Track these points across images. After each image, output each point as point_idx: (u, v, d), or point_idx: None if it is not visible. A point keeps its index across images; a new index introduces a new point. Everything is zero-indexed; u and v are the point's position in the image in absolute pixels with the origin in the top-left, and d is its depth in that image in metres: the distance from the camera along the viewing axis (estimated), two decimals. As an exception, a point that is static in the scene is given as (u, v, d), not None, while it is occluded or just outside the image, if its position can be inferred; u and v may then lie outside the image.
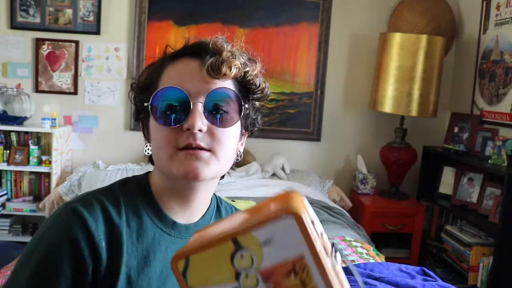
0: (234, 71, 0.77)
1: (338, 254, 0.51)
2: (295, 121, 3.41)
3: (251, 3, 3.30)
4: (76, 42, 3.23)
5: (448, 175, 3.15)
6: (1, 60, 3.22)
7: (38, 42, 3.20)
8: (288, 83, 3.38)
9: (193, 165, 0.75)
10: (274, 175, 3.19)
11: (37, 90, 3.24)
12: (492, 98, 2.97)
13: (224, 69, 0.76)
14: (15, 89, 3.09)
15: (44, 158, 3.06)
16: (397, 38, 2.99)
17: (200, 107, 0.75)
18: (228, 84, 0.79)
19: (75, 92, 3.27)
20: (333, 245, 0.51)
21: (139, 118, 0.86)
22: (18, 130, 3.10)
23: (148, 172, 0.87)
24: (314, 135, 3.44)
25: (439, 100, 3.10)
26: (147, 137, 0.85)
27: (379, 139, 3.43)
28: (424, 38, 2.95)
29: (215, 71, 0.76)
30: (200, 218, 0.86)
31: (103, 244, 0.74)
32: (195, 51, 0.79)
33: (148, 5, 3.22)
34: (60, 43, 3.22)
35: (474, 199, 2.87)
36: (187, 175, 0.75)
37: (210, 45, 0.78)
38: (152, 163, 0.85)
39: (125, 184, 0.84)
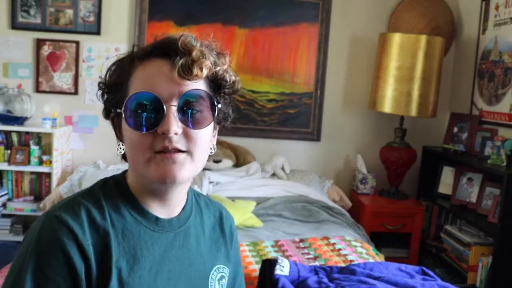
0: (205, 71, 0.77)
1: None
2: (295, 121, 3.42)
3: (251, 3, 3.30)
4: (77, 43, 3.24)
5: (447, 175, 3.16)
6: (2, 61, 3.23)
7: (39, 43, 3.21)
8: (288, 83, 3.39)
9: (170, 168, 0.76)
10: (274, 175, 3.20)
11: (37, 90, 3.25)
12: (491, 98, 2.98)
13: (195, 70, 0.75)
14: (16, 89, 3.10)
15: (45, 158, 3.07)
16: (396, 38, 3.00)
17: (173, 110, 0.75)
18: (199, 85, 0.79)
19: (75, 92, 3.28)
20: None
21: (109, 117, 0.86)
22: (19, 130, 3.11)
23: (125, 171, 0.87)
24: (314, 135, 3.45)
25: (438, 100, 3.11)
26: (119, 137, 0.85)
27: (378, 139, 3.43)
28: (423, 38, 2.96)
29: (186, 73, 0.75)
30: (181, 212, 0.88)
31: (91, 249, 0.74)
32: (164, 51, 0.78)
33: (148, 6, 3.23)
34: (60, 43, 3.23)
35: (474, 199, 2.87)
36: (165, 179, 0.76)
37: (179, 45, 0.76)
38: (126, 160, 0.86)
39: (104, 185, 0.84)
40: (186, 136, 0.77)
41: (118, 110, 0.78)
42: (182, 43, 0.76)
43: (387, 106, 3.04)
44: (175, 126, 0.74)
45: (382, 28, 3.40)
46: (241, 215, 2.43)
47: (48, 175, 3.13)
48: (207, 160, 0.86)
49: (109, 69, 0.85)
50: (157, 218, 0.83)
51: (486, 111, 3.02)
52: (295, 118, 3.42)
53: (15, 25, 3.19)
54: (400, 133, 3.21)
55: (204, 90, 0.79)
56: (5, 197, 3.12)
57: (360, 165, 3.37)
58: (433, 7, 3.39)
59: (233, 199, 2.65)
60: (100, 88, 0.86)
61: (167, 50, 0.77)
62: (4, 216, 3.11)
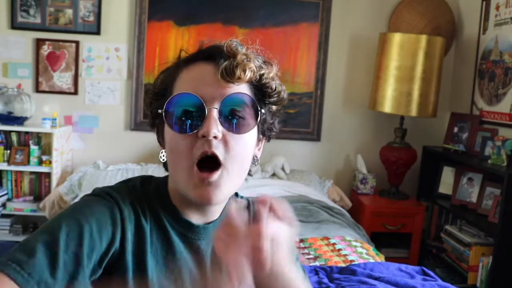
0: (248, 74, 0.76)
1: None
2: (295, 121, 3.42)
3: (251, 3, 3.30)
4: (77, 42, 3.23)
5: (447, 175, 3.16)
6: (1, 60, 3.22)
7: (39, 42, 3.21)
8: (288, 83, 3.38)
9: (206, 190, 0.74)
10: (274, 175, 3.20)
11: (37, 90, 3.25)
12: (492, 98, 2.97)
13: (239, 72, 0.74)
14: (15, 89, 3.10)
15: (44, 158, 3.07)
16: (396, 38, 3.00)
17: (215, 113, 0.73)
18: (243, 89, 0.77)
19: (75, 92, 3.28)
20: None
21: (155, 124, 0.84)
22: (18, 130, 3.10)
23: (167, 176, 0.86)
24: (314, 135, 3.44)
25: (438, 100, 3.11)
26: (162, 144, 0.83)
27: (379, 139, 3.43)
28: (423, 38, 2.95)
29: (230, 75, 0.74)
30: (218, 217, 0.86)
31: (129, 226, 0.75)
32: (209, 55, 0.78)
33: (148, 5, 3.22)
34: (60, 43, 3.23)
35: (474, 199, 2.87)
36: (202, 201, 0.76)
37: (224, 49, 0.77)
38: (167, 169, 0.84)
39: (145, 185, 0.84)
40: (225, 143, 0.75)
41: (159, 111, 0.77)
42: (227, 47, 0.77)
43: (387, 106, 3.03)
44: (215, 128, 0.72)
45: (382, 28, 3.39)
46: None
47: (48, 175, 3.13)
48: (250, 174, 0.84)
49: (157, 77, 0.84)
50: (192, 225, 0.82)
51: (487, 111, 3.01)
52: (295, 118, 3.41)
53: (14, 25, 3.18)
54: (400, 133, 3.21)
55: (248, 94, 0.77)
56: (5, 197, 3.11)
57: (360, 165, 3.37)
58: (433, 7, 3.39)
59: (233, 199, 2.64)
60: (148, 97, 0.85)
61: (212, 53, 0.78)
62: (4, 216, 3.11)
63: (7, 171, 3.16)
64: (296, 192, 2.91)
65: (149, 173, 2.83)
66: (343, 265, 1.92)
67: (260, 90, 0.81)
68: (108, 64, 3.27)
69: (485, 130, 2.95)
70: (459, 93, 3.37)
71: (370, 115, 3.45)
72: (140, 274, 0.75)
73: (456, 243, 2.78)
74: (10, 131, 3.10)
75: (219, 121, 0.74)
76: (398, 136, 3.22)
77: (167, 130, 0.78)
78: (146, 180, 0.85)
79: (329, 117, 3.45)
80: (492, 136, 2.84)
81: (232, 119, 0.75)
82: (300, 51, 3.38)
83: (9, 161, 3.06)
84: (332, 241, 2.21)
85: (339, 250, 2.11)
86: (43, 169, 3.07)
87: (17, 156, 3.07)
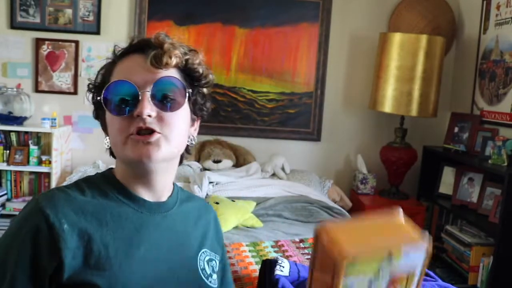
0: (174, 60, 0.85)
1: None
2: (295, 121, 3.41)
3: (251, 3, 3.29)
4: (76, 42, 3.23)
5: (448, 175, 3.15)
6: (1, 60, 3.22)
7: (38, 42, 3.20)
8: (288, 83, 3.38)
9: (145, 148, 0.82)
10: (274, 175, 3.19)
11: (37, 90, 3.24)
12: (492, 98, 2.97)
13: (165, 58, 0.84)
14: (15, 89, 3.09)
15: (44, 158, 3.06)
16: (397, 38, 2.99)
17: (148, 95, 0.82)
18: (172, 73, 0.86)
19: (75, 92, 3.27)
20: None
21: (98, 115, 0.94)
22: (18, 130, 3.10)
23: (111, 168, 0.93)
24: (314, 135, 3.44)
25: (439, 100, 3.10)
26: (106, 131, 0.91)
27: (379, 139, 3.42)
28: (424, 38, 2.95)
29: (158, 62, 0.84)
30: (168, 198, 0.93)
31: (66, 228, 0.77)
32: (139, 47, 0.87)
33: (148, 5, 3.22)
34: (60, 43, 3.22)
35: (474, 199, 2.86)
36: (140, 157, 0.82)
37: (153, 40, 0.86)
38: (113, 156, 0.92)
39: (89, 178, 0.90)
40: (161, 119, 0.83)
41: (98, 98, 0.87)
42: (155, 39, 0.86)
43: (388, 106, 3.03)
44: (149, 108, 0.81)
45: (383, 28, 3.39)
46: (241, 215, 2.42)
47: (48, 175, 3.12)
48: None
49: (97, 73, 0.94)
50: (144, 201, 0.89)
51: (487, 110, 3.01)
52: (295, 118, 3.41)
53: (14, 25, 3.18)
54: (401, 133, 3.20)
55: (175, 76, 0.86)
56: (4, 197, 3.11)
57: (360, 165, 3.36)
58: (434, 6, 3.38)
59: (233, 199, 2.64)
60: (88, 90, 0.95)
61: (142, 45, 0.87)
62: (3, 216, 3.10)
63: (6, 171, 3.15)
64: (296, 192, 2.90)
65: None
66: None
67: (189, 74, 0.90)
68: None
69: (486, 130, 2.95)
70: (460, 93, 3.37)
71: (370, 115, 3.45)
72: (103, 258, 0.79)
73: (457, 243, 2.77)
74: (10, 131, 3.09)
75: (153, 102, 0.83)
76: (398, 136, 3.21)
77: (108, 116, 0.87)
78: (91, 175, 0.92)
79: (329, 117, 3.45)
80: (492, 136, 2.83)
81: (164, 99, 0.84)
82: (300, 51, 3.37)
83: (8, 161, 3.05)
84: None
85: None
86: (42, 169, 3.06)
87: (17, 156, 3.06)
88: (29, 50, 3.22)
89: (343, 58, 3.43)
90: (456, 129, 3.21)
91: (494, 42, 2.97)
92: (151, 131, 0.82)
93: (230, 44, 3.30)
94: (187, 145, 0.94)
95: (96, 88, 0.93)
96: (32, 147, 3.07)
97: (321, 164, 3.48)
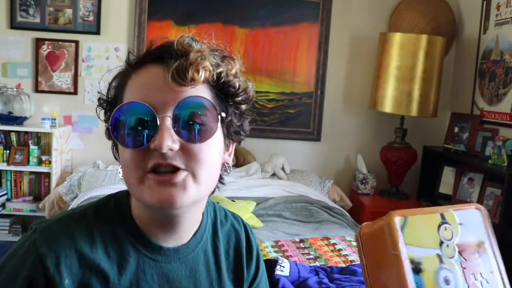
0: (203, 74, 0.65)
1: None
2: (295, 121, 3.41)
3: (251, 3, 3.29)
4: (76, 42, 3.23)
5: (448, 175, 3.15)
6: (1, 60, 3.22)
7: (38, 42, 3.20)
8: (288, 83, 3.38)
9: (167, 191, 0.64)
10: (274, 175, 3.19)
11: (37, 90, 3.24)
12: (492, 98, 2.97)
13: (191, 73, 0.64)
14: (15, 89, 3.09)
15: (44, 158, 3.06)
16: (397, 38, 2.99)
17: (168, 121, 0.64)
18: (200, 91, 0.67)
19: (75, 92, 3.27)
20: None
21: (111, 137, 0.71)
22: (18, 130, 3.10)
23: (127, 195, 0.76)
24: (314, 135, 3.44)
25: (439, 100, 3.10)
26: (119, 159, 0.72)
27: (379, 139, 3.42)
28: (424, 38, 2.95)
29: (181, 77, 0.64)
30: (192, 237, 0.76)
31: (65, 282, 0.65)
32: (159, 55, 0.68)
33: (148, 5, 3.22)
34: (60, 43, 3.22)
35: (474, 199, 2.86)
36: (161, 205, 0.65)
37: (175, 47, 0.66)
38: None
39: (100, 210, 0.73)
40: (186, 151, 0.65)
41: (105, 125, 0.68)
42: (178, 45, 0.66)
43: (388, 106, 3.03)
44: (169, 140, 0.63)
45: (383, 28, 3.39)
46: (241, 215, 2.40)
47: (48, 175, 3.12)
48: (221, 183, 0.75)
49: (109, 84, 0.74)
50: (160, 247, 0.72)
51: (487, 110, 3.01)
52: (295, 118, 3.41)
53: (14, 25, 3.18)
54: (401, 133, 3.20)
55: (205, 97, 0.67)
56: (4, 197, 3.11)
57: (360, 165, 3.36)
58: (434, 6, 3.38)
59: (233, 199, 2.64)
60: (99, 105, 0.75)
61: (162, 54, 0.67)
62: (3, 216, 3.10)
63: (6, 171, 3.15)
64: (296, 192, 2.90)
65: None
66: (344, 265, 1.91)
67: (222, 90, 0.70)
68: (107, 64, 3.26)
69: (486, 130, 2.95)
70: (460, 93, 3.37)
71: (370, 115, 3.45)
72: None
73: (457, 243, 2.77)
74: (10, 131, 3.09)
75: (174, 130, 0.64)
76: (398, 136, 3.21)
77: (119, 145, 0.69)
78: (104, 203, 0.75)
79: (329, 117, 3.45)
80: (492, 136, 2.83)
81: (189, 127, 0.65)
82: (300, 51, 3.37)
83: (8, 161, 3.05)
84: (332, 241, 2.21)
85: (339, 250, 2.11)
86: (42, 169, 3.06)
87: (17, 156, 3.06)
88: (29, 50, 3.22)
89: (343, 58, 3.43)
90: (456, 129, 3.21)
91: (494, 42, 2.97)
92: (175, 169, 0.64)
93: (230, 44, 3.30)
94: (220, 175, 0.75)
95: (108, 104, 0.73)
96: (32, 147, 3.07)
97: (321, 164, 3.48)
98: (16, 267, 0.65)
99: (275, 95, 3.38)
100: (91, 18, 3.22)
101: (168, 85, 0.65)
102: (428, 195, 3.26)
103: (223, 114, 0.69)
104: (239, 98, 0.72)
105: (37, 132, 3.12)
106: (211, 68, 0.66)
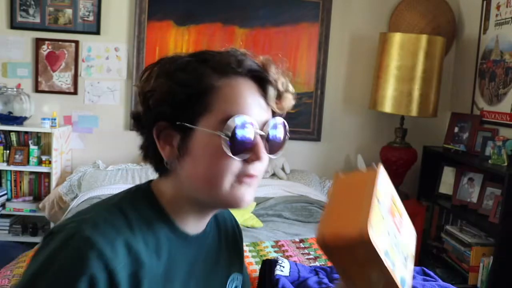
0: (290, 107, 0.81)
1: None
2: (295, 121, 3.41)
3: (251, 3, 3.29)
4: (76, 42, 3.23)
5: (448, 175, 3.15)
6: (1, 60, 3.22)
7: (38, 42, 3.20)
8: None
9: (246, 193, 0.76)
10: (274, 175, 3.19)
11: (37, 90, 3.24)
12: (492, 98, 2.97)
13: (285, 105, 0.80)
14: (15, 89, 3.09)
15: (44, 158, 3.06)
16: (397, 38, 2.99)
17: (263, 138, 0.76)
18: (281, 116, 0.81)
19: (75, 92, 3.27)
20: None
21: (151, 126, 0.76)
22: (18, 130, 3.10)
23: (149, 182, 0.82)
24: (314, 135, 3.44)
25: (439, 100, 3.10)
26: (174, 152, 0.76)
27: (379, 139, 3.42)
28: (424, 38, 2.95)
29: (277, 105, 0.78)
30: (207, 226, 0.85)
31: (123, 274, 0.67)
32: (249, 71, 0.76)
33: (148, 5, 3.22)
34: (60, 43, 3.22)
35: (474, 199, 2.86)
36: (240, 204, 0.76)
37: (269, 74, 0.77)
38: (163, 174, 0.80)
39: (133, 201, 0.77)
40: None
41: (220, 134, 0.72)
42: (270, 71, 0.77)
43: (388, 106, 3.03)
44: (265, 154, 0.76)
45: (383, 28, 3.38)
46: (241, 215, 2.42)
47: (48, 175, 3.12)
48: None
49: (149, 74, 0.77)
50: (187, 236, 0.80)
51: (487, 110, 3.01)
52: (295, 118, 3.40)
53: (14, 25, 3.18)
54: (401, 133, 3.20)
55: (285, 121, 0.81)
56: (4, 197, 3.11)
57: (360, 165, 3.36)
58: (434, 6, 3.38)
59: (233, 199, 2.63)
60: (146, 94, 0.77)
61: (255, 72, 0.76)
62: (3, 216, 3.10)
63: (6, 171, 3.15)
64: (296, 192, 2.90)
65: (149, 173, 2.83)
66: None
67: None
68: (107, 64, 3.26)
69: (486, 130, 2.95)
70: (460, 93, 3.37)
71: (370, 115, 3.45)
72: None
73: (457, 244, 2.77)
74: (10, 131, 3.09)
75: (266, 146, 0.76)
76: (398, 136, 3.21)
77: (209, 147, 0.73)
78: (133, 193, 0.79)
79: (329, 117, 3.45)
80: (492, 136, 2.83)
81: (274, 143, 0.78)
82: (300, 51, 3.37)
83: (8, 161, 3.05)
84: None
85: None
86: (42, 169, 3.06)
87: (17, 156, 3.06)
88: (29, 50, 3.22)
89: (343, 58, 3.43)
90: (456, 129, 3.21)
91: (494, 42, 2.97)
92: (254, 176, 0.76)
93: (230, 44, 3.24)
94: None
95: (175, 94, 0.74)
96: (32, 147, 3.07)
97: (321, 164, 3.48)
98: (69, 269, 0.64)
99: (275, 95, 3.37)
100: (91, 18, 3.22)
101: (263, 105, 0.76)
102: (428, 195, 3.26)
103: (288, 135, 0.82)
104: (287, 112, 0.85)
105: (37, 132, 3.12)
106: (293, 101, 0.82)
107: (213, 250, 0.87)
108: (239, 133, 0.72)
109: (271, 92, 0.77)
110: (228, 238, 0.94)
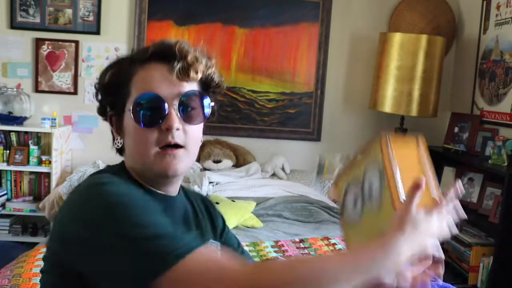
0: (199, 74, 0.89)
1: None
2: (295, 121, 3.41)
3: (251, 3, 3.29)
4: (76, 42, 3.23)
5: (448, 175, 3.15)
6: (1, 60, 3.22)
7: (38, 42, 3.20)
8: (288, 83, 3.38)
9: (172, 163, 0.86)
10: (274, 175, 3.19)
11: (37, 90, 3.24)
12: (492, 98, 2.97)
13: (192, 73, 0.87)
14: (15, 89, 3.09)
15: (44, 158, 3.06)
16: (397, 38, 2.99)
17: (175, 108, 0.86)
18: (194, 86, 0.90)
19: (75, 92, 3.27)
20: None
21: (106, 114, 0.94)
22: (18, 130, 3.09)
23: (123, 164, 0.95)
24: (314, 135, 3.44)
25: (439, 100, 3.10)
26: (119, 132, 0.93)
27: (379, 139, 3.42)
28: (424, 38, 2.95)
29: (184, 75, 0.87)
30: (179, 192, 0.98)
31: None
32: (163, 56, 0.88)
33: (148, 5, 3.22)
34: (60, 43, 3.22)
35: (474, 199, 2.86)
36: (166, 172, 0.86)
37: (176, 50, 0.87)
38: (121, 154, 0.96)
39: (116, 171, 0.91)
40: (184, 132, 0.87)
41: (127, 109, 0.87)
42: (179, 48, 0.87)
43: (388, 106, 3.03)
44: (177, 122, 0.85)
45: (383, 28, 3.38)
46: (241, 215, 2.42)
47: (48, 175, 3.12)
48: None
49: (106, 70, 0.94)
50: (164, 195, 0.92)
51: (487, 110, 3.01)
52: (295, 118, 3.41)
53: (14, 25, 3.18)
54: (401, 133, 3.20)
55: (199, 90, 0.91)
56: (4, 197, 3.11)
57: (360, 165, 3.35)
58: (434, 6, 3.38)
59: (233, 199, 2.63)
60: (96, 88, 0.95)
61: (166, 55, 0.88)
62: (3, 216, 3.10)
63: (6, 171, 3.15)
64: (296, 192, 2.90)
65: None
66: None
67: (205, 83, 0.94)
68: (107, 64, 3.25)
69: (486, 130, 2.95)
70: (460, 93, 3.37)
71: (370, 115, 3.45)
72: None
73: (457, 244, 2.77)
74: (10, 131, 3.09)
75: (179, 115, 0.86)
76: (398, 136, 3.21)
77: (132, 125, 0.88)
78: (111, 167, 0.95)
79: (329, 117, 3.44)
80: (492, 136, 2.83)
81: (188, 112, 0.87)
82: (300, 51, 3.37)
83: (8, 161, 3.05)
84: (332, 241, 2.21)
85: (340, 250, 2.11)
86: (42, 169, 3.06)
87: (17, 156, 3.06)
88: (29, 50, 3.22)
89: (343, 58, 3.43)
90: (456, 129, 3.21)
91: (494, 42, 2.97)
92: (177, 145, 0.86)
93: (230, 44, 3.30)
94: None
95: (106, 88, 0.93)
96: (32, 147, 3.07)
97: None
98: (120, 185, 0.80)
99: (275, 95, 3.37)
100: (91, 18, 3.22)
101: (172, 81, 0.87)
102: (428, 195, 3.25)
103: (212, 104, 0.92)
104: (216, 89, 0.97)
105: (37, 132, 3.12)
106: (204, 69, 0.90)
107: (191, 216, 0.99)
108: (143, 106, 0.85)
109: (177, 66, 0.86)
110: (201, 210, 1.05)
